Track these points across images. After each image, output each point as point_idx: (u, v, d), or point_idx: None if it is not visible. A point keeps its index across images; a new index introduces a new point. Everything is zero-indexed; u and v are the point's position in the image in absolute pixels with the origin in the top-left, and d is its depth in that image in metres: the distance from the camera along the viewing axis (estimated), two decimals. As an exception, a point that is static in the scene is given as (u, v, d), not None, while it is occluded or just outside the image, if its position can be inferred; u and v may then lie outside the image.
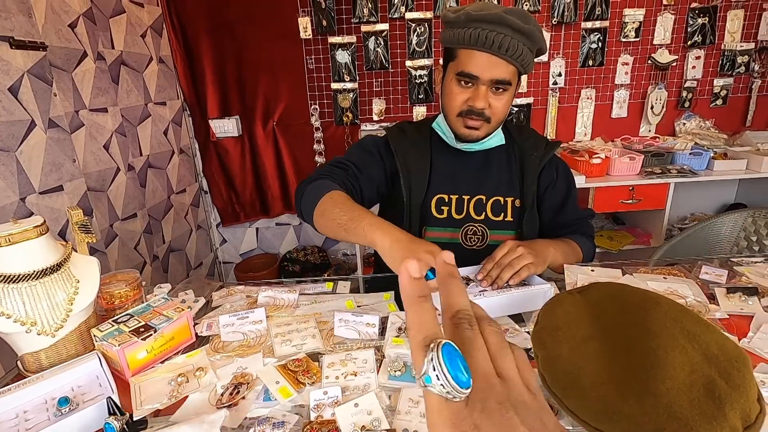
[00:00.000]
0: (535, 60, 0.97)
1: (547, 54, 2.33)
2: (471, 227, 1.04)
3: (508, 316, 0.76)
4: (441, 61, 1.02)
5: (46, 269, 0.63)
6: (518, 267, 0.80)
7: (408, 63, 2.32)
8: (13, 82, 1.31)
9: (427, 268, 0.45)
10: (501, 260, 0.82)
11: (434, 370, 0.23)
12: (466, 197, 1.04)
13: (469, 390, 0.23)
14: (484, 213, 1.04)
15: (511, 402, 0.24)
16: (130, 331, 0.66)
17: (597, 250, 2.29)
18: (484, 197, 1.04)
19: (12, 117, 1.30)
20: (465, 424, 0.23)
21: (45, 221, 0.64)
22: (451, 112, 0.97)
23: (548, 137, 2.45)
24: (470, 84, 0.92)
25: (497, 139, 1.05)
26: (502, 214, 1.04)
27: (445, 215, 1.04)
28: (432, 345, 0.24)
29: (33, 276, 0.62)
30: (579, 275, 0.86)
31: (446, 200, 1.04)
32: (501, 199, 1.04)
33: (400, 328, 0.72)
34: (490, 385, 0.24)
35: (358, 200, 0.94)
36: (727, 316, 0.71)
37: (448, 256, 0.30)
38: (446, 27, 0.95)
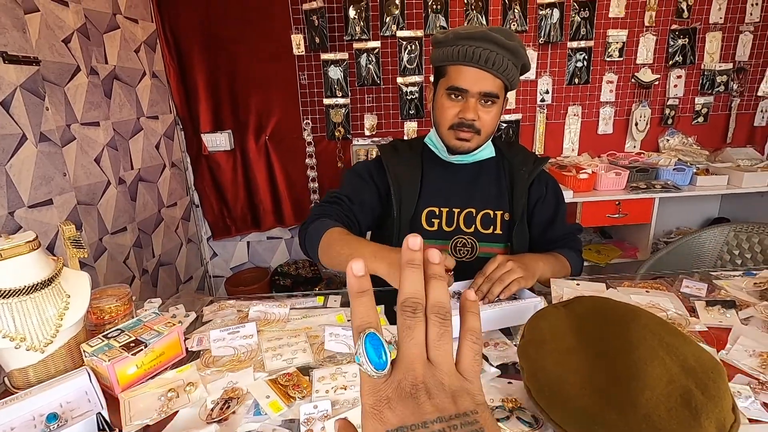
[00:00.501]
0: (521, 77, 1.02)
1: (534, 72, 2.40)
2: (461, 239, 1.06)
3: (499, 329, 0.78)
4: (432, 79, 1.07)
5: (37, 284, 0.63)
6: (508, 281, 0.82)
7: (399, 79, 2.37)
8: (5, 97, 1.31)
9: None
10: (491, 275, 0.84)
11: (359, 353, 0.28)
12: (456, 210, 1.07)
13: (384, 371, 0.28)
14: (473, 226, 1.07)
15: (428, 384, 0.28)
16: (120, 347, 0.66)
17: (585, 263, 2.32)
18: (474, 210, 1.07)
19: (3, 131, 1.30)
20: (380, 394, 0.28)
21: (37, 236, 0.65)
22: (443, 125, 1.02)
23: (536, 153, 2.51)
24: (460, 97, 0.98)
25: (488, 151, 1.09)
26: (492, 227, 1.07)
27: (435, 228, 1.06)
28: (361, 333, 0.28)
29: (23, 291, 0.62)
30: (565, 289, 0.88)
31: (437, 213, 1.07)
32: (491, 212, 1.07)
33: (389, 343, 0.72)
34: (411, 369, 0.29)
35: (356, 230, 1.00)
36: (707, 329, 0.73)
37: (413, 242, 0.31)
38: (436, 47, 1.00)
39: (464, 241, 1.06)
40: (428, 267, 0.32)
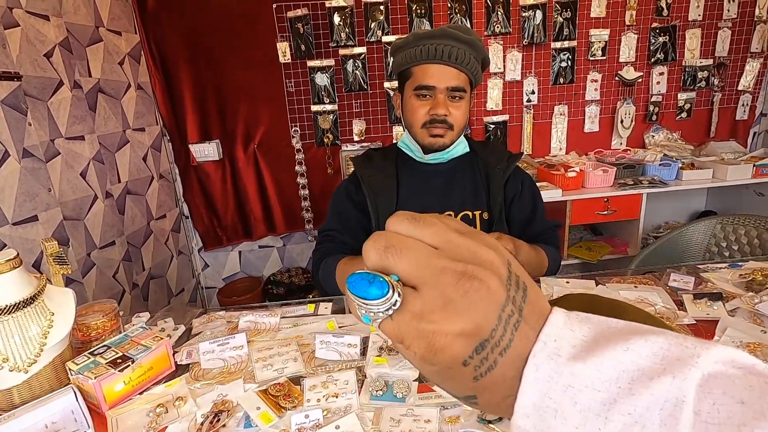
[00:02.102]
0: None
1: (520, 73, 2.42)
2: None
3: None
4: (396, 88, 1.10)
5: (19, 303, 0.62)
6: None
7: (386, 84, 2.37)
8: (-15, 113, 1.29)
9: None
10: None
11: (359, 307, 0.21)
12: (435, 213, 1.05)
13: (388, 295, 0.21)
14: None
15: (462, 261, 0.22)
16: (106, 363, 0.64)
17: (577, 261, 2.34)
18: (452, 213, 1.07)
19: (-16, 148, 1.28)
20: (426, 330, 0.20)
21: (18, 254, 0.64)
22: (415, 125, 1.04)
23: (523, 152, 2.53)
24: (428, 95, 1.00)
25: (461, 147, 1.11)
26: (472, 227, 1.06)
27: None
28: (345, 291, 0.22)
29: (5, 311, 0.61)
30: (554, 287, 0.88)
31: None
32: (469, 213, 1.08)
33: (381, 348, 0.72)
34: (433, 264, 0.21)
35: (357, 254, 1.02)
36: (695, 322, 0.74)
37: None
38: (396, 53, 1.03)
39: None
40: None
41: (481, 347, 0.20)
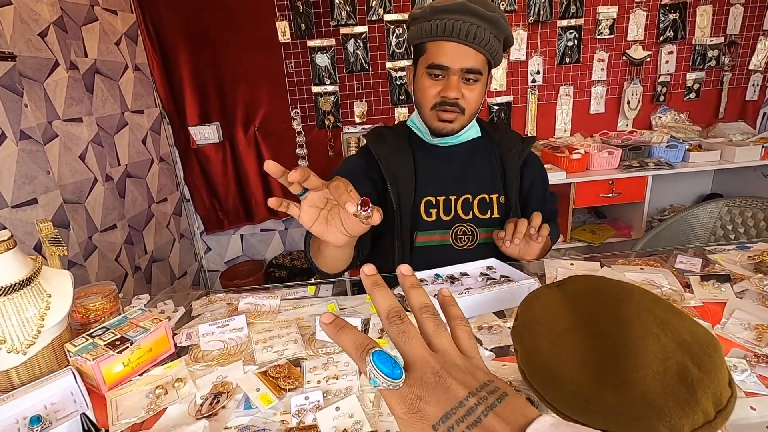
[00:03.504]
0: (510, 55, 0.99)
1: (525, 53, 2.36)
2: (460, 227, 1.03)
3: (493, 313, 0.76)
4: (411, 63, 1.03)
5: (15, 284, 0.61)
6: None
7: (388, 65, 2.33)
8: (-20, 94, 1.27)
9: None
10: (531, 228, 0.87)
11: (374, 375, 0.29)
12: (453, 197, 1.03)
13: (401, 378, 0.29)
14: (471, 212, 1.03)
15: (444, 366, 0.31)
16: (105, 345, 0.64)
17: (580, 243, 2.33)
18: (470, 196, 1.03)
19: (-20, 130, 1.26)
20: (410, 398, 0.29)
21: (12, 235, 0.63)
22: (424, 106, 0.97)
23: (528, 134, 2.49)
24: (441, 76, 0.93)
25: (473, 131, 1.05)
26: (489, 211, 1.04)
27: (433, 218, 1.02)
28: (366, 357, 0.30)
29: (1, 292, 0.60)
30: (559, 269, 0.87)
31: (434, 202, 1.03)
32: (486, 196, 1.04)
33: (382, 329, 0.71)
34: (426, 362, 0.31)
35: None
36: (702, 304, 0.73)
37: (368, 269, 0.36)
38: (412, 24, 0.96)
39: (464, 228, 1.03)
40: (404, 279, 0.37)
41: (445, 417, 0.28)
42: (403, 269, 0.37)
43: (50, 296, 0.66)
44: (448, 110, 0.95)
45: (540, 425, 0.26)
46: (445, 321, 0.36)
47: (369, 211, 0.54)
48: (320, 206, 0.65)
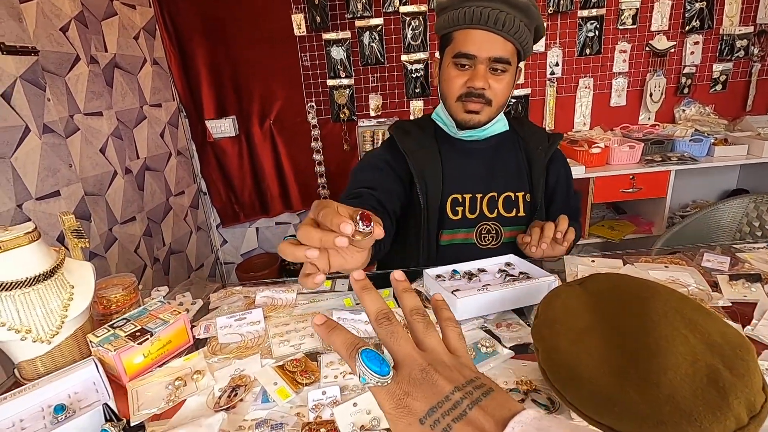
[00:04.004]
0: (534, 45, 0.94)
1: (543, 44, 2.31)
2: (485, 226, 1.01)
3: (512, 310, 0.75)
4: (437, 54, 0.99)
5: (39, 276, 0.62)
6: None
7: (404, 57, 2.30)
8: (5, 88, 1.30)
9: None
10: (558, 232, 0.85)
11: (363, 372, 0.30)
12: (478, 195, 1.00)
13: (389, 374, 0.30)
14: (496, 210, 1.01)
15: (431, 363, 0.32)
16: (126, 336, 0.65)
17: (598, 239, 2.28)
18: (496, 194, 1.01)
19: (5, 123, 1.29)
20: (398, 394, 0.30)
21: (36, 227, 0.64)
22: (450, 97, 0.94)
23: (547, 128, 2.44)
24: (467, 65, 0.90)
25: (500, 125, 1.01)
26: (515, 209, 1.01)
27: (459, 216, 1.00)
28: (356, 355, 0.31)
29: (26, 283, 0.61)
30: (579, 266, 0.85)
31: (460, 200, 1.00)
32: (512, 194, 1.01)
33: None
34: (413, 360, 0.32)
35: (387, 221, 0.87)
36: (731, 304, 0.70)
37: (358, 274, 0.37)
38: (440, 14, 0.93)
39: (488, 227, 1.01)
40: (396, 284, 0.38)
41: (432, 411, 0.29)
42: (396, 275, 0.39)
43: (73, 287, 0.67)
44: (474, 101, 0.91)
45: (523, 418, 0.27)
46: (435, 322, 0.37)
47: (371, 226, 0.44)
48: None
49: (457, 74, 0.91)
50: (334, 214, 0.42)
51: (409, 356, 0.32)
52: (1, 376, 1.18)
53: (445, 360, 0.33)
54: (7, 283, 0.60)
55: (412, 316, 0.36)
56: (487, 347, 0.64)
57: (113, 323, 0.69)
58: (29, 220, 1.37)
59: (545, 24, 2.26)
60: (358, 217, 0.43)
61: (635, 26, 2.29)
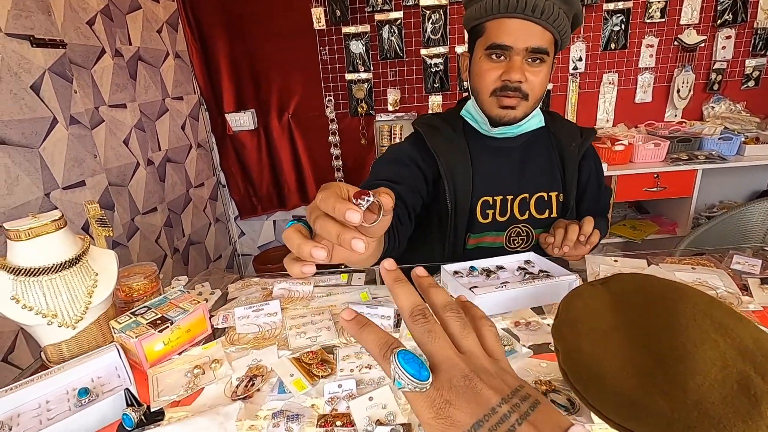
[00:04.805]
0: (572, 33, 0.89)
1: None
2: (515, 229, 0.96)
3: (531, 308, 0.74)
4: (466, 49, 0.95)
5: (65, 262, 0.64)
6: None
7: (423, 51, 2.28)
8: (34, 80, 1.33)
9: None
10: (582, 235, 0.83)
11: (399, 376, 0.28)
12: (509, 197, 0.95)
13: (429, 379, 0.28)
14: (528, 212, 0.96)
15: (474, 370, 0.29)
16: (147, 323, 0.66)
17: (619, 240, 2.23)
18: (527, 195, 0.96)
19: (35, 114, 1.33)
20: (438, 402, 0.27)
21: (63, 215, 0.65)
22: (483, 91, 0.87)
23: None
24: (502, 57, 0.83)
25: (536, 120, 0.95)
26: (547, 210, 0.97)
27: (489, 219, 0.95)
28: (391, 357, 0.28)
29: (53, 269, 0.63)
30: (601, 266, 0.83)
31: (491, 203, 0.95)
32: (545, 194, 0.96)
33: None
34: (454, 364, 0.29)
35: (405, 215, 0.84)
36: (762, 309, 0.67)
37: (389, 264, 0.34)
38: (469, 4, 0.88)
39: (519, 230, 0.96)
40: (420, 281, 0.36)
41: (477, 425, 0.26)
42: (418, 271, 0.36)
43: (97, 275, 0.68)
44: (510, 95, 0.85)
45: None
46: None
47: (371, 198, 0.37)
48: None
49: (490, 67, 0.85)
50: (336, 199, 0.36)
51: (448, 359, 0.29)
52: (29, 359, 1.22)
53: (487, 366, 0.30)
54: (35, 269, 0.62)
55: (446, 313, 0.33)
56: (505, 345, 0.63)
57: (135, 311, 0.70)
58: (56, 208, 1.41)
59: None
60: (353, 195, 0.37)
61: (663, 20, 2.22)
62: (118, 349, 0.64)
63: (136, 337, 0.63)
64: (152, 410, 0.55)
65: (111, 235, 0.76)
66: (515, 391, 0.28)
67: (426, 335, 0.30)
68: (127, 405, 0.54)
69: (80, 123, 1.52)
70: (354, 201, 0.37)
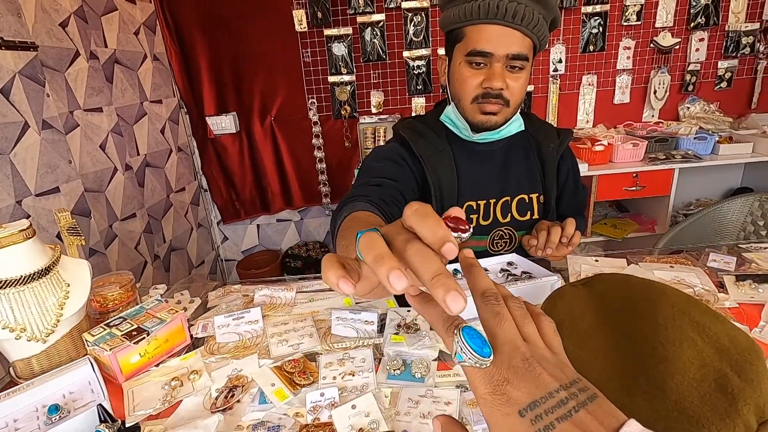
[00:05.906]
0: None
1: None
2: (498, 232, 0.98)
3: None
4: (443, 51, 0.94)
5: (34, 274, 0.61)
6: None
7: (405, 54, 2.28)
8: (4, 84, 1.29)
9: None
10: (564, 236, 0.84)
11: (461, 350, 0.28)
12: (492, 201, 0.96)
13: (491, 357, 0.28)
14: (510, 215, 0.97)
15: (537, 357, 0.29)
16: (122, 335, 0.64)
17: (601, 238, 2.27)
18: (509, 198, 0.97)
19: (4, 119, 1.28)
20: (496, 379, 0.28)
21: (31, 224, 0.63)
22: (464, 99, 0.88)
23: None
24: (483, 64, 0.83)
25: (516, 125, 0.96)
26: (529, 212, 0.98)
27: (473, 224, 0.96)
28: (455, 330, 0.29)
29: (20, 281, 0.60)
30: (582, 266, 0.84)
31: (474, 207, 0.96)
32: (525, 197, 0.98)
33: (399, 325, 0.70)
34: (516, 347, 0.29)
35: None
36: (737, 305, 0.69)
37: (468, 252, 0.35)
38: (445, 8, 0.88)
39: (502, 233, 0.97)
40: (468, 263, 0.35)
41: (534, 404, 0.26)
42: (466, 252, 0.36)
43: (69, 285, 0.66)
44: (492, 102, 0.85)
45: (632, 428, 0.25)
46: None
47: (470, 231, 0.32)
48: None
49: (471, 74, 0.85)
50: (438, 221, 0.29)
51: (511, 342, 0.30)
52: (-1, 373, 1.18)
53: (547, 356, 0.30)
54: (1, 281, 0.59)
55: (510, 301, 0.33)
56: (488, 348, 0.63)
57: (109, 322, 0.68)
58: (29, 216, 1.36)
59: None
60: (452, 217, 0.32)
61: (639, 23, 2.26)
62: (91, 363, 0.61)
63: (111, 349, 0.61)
64: (127, 426, 0.53)
65: (83, 244, 0.74)
66: (573, 382, 0.28)
67: (494, 317, 0.31)
68: (100, 421, 0.52)
69: (53, 128, 1.47)
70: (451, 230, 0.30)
